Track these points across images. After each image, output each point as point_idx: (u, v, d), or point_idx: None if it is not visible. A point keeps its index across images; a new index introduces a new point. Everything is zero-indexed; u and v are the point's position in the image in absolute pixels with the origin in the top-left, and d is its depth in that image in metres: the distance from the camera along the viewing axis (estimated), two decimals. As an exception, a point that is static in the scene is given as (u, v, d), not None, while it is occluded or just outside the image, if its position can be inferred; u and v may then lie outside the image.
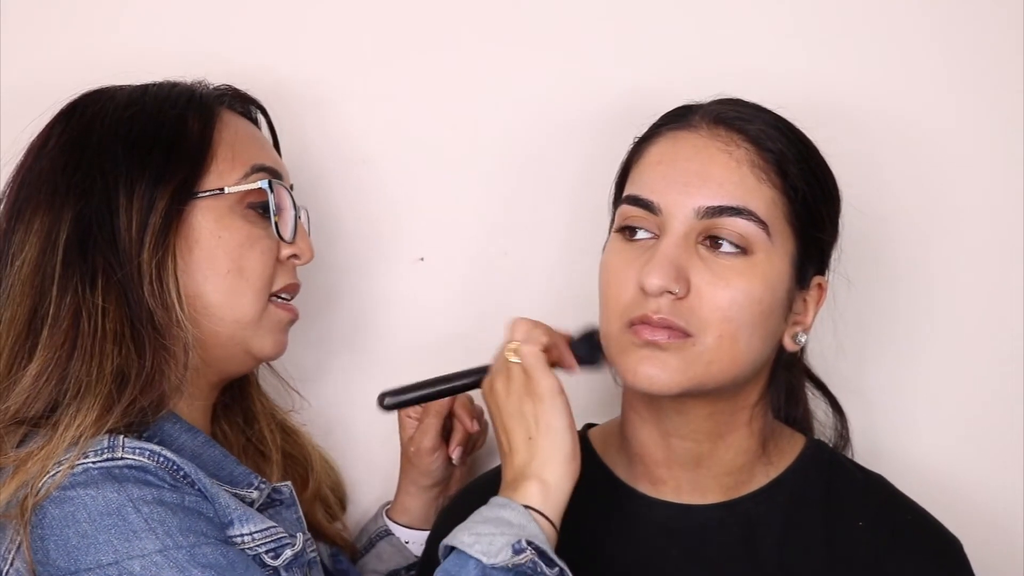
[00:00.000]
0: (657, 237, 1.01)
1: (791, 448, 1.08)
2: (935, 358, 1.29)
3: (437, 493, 1.24)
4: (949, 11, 1.26)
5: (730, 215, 0.99)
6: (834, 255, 1.09)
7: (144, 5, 1.32)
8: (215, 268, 1.04)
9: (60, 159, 1.04)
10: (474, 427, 1.23)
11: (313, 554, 1.07)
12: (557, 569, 0.95)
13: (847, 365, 1.25)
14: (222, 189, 1.05)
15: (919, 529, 1.04)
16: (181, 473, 0.96)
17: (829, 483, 1.06)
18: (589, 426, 1.17)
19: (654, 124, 1.08)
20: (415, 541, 1.23)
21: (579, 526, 1.08)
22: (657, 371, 0.98)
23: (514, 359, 1.01)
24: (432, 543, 1.18)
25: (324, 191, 1.30)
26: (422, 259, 1.32)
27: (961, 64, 1.26)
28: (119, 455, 0.95)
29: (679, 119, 1.05)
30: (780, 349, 1.05)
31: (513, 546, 0.94)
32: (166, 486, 0.95)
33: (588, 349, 1.06)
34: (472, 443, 1.26)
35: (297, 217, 1.10)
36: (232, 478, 1.04)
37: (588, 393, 1.26)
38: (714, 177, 1.00)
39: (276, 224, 1.07)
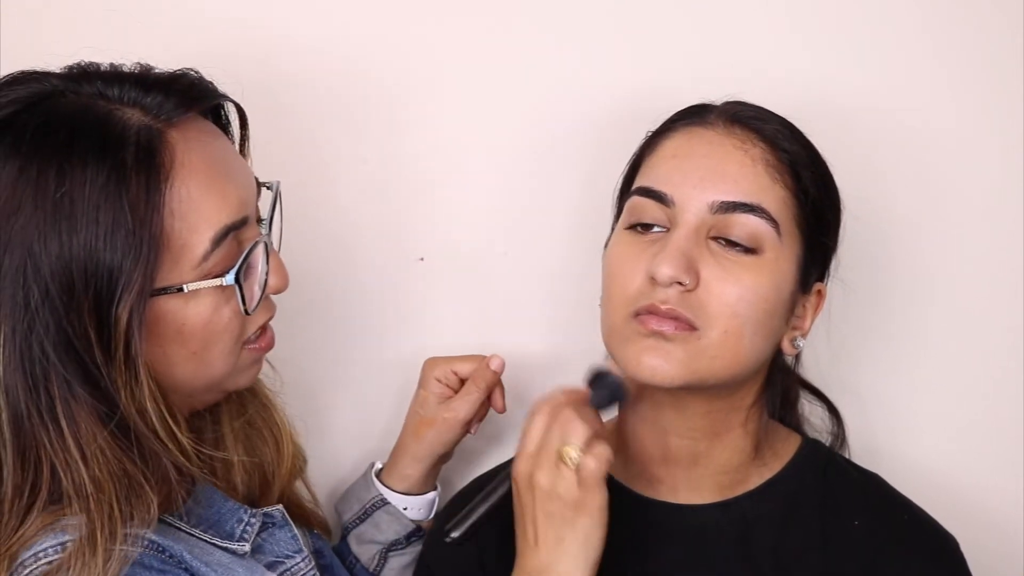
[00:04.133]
0: (667, 231, 1.01)
1: (787, 447, 1.09)
2: (932, 360, 1.29)
3: (440, 461, 1.24)
4: (949, 14, 1.26)
5: (743, 211, 0.99)
6: (832, 262, 1.10)
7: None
8: (180, 354, 0.94)
9: None
10: (502, 409, 1.23)
11: (312, 573, 1.05)
12: None
13: (842, 368, 1.26)
14: (181, 288, 0.92)
15: (916, 528, 1.04)
16: (167, 554, 0.93)
17: (825, 482, 1.06)
18: (586, 426, 1.17)
19: (669, 119, 1.08)
20: (413, 507, 1.22)
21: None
22: (660, 361, 0.98)
23: (570, 462, 0.96)
24: (428, 545, 1.18)
25: (324, 191, 1.30)
26: (422, 259, 1.32)
27: (961, 68, 1.26)
28: None
29: (695, 115, 1.06)
30: (778, 352, 1.06)
31: None
32: (154, 572, 0.91)
33: (606, 394, 1.02)
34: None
35: (267, 255, 0.98)
36: (220, 518, 1.00)
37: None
38: (729, 173, 1.00)
39: (243, 299, 0.95)
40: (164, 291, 0.91)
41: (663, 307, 0.97)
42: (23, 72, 0.95)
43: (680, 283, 0.97)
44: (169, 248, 0.90)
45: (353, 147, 1.31)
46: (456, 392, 1.22)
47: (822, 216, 1.04)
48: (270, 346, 1.03)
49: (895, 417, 1.29)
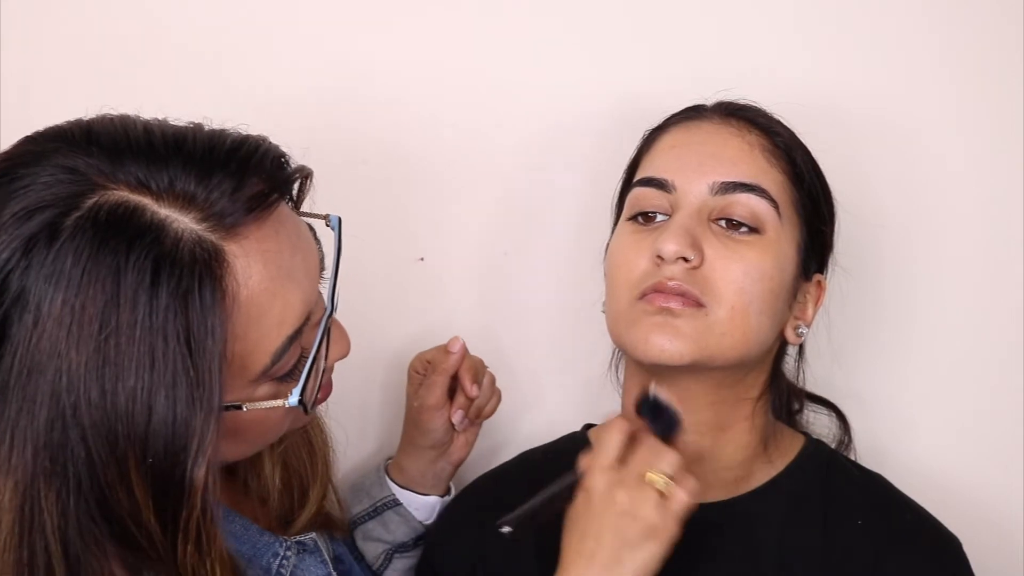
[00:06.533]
0: (669, 218, 1.02)
1: (791, 447, 1.09)
2: (932, 360, 1.29)
3: (435, 456, 1.19)
4: (943, 14, 1.26)
5: (743, 191, 1.00)
6: (830, 262, 1.10)
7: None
8: (233, 446, 0.86)
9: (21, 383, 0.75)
10: (473, 392, 1.17)
11: None
12: None
13: (844, 369, 1.26)
14: (240, 407, 0.82)
15: (918, 528, 1.04)
16: None
17: (828, 482, 1.06)
18: (588, 426, 1.17)
19: (666, 119, 1.10)
20: (412, 505, 1.20)
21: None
22: (668, 339, 0.97)
23: (660, 486, 0.92)
24: (428, 544, 1.18)
25: (324, 190, 1.30)
26: (422, 259, 1.32)
27: (956, 69, 1.26)
28: None
29: (691, 111, 1.08)
30: (781, 347, 1.06)
31: None
32: None
33: (664, 426, 0.97)
34: (478, 410, 1.20)
35: (326, 334, 0.86)
36: (255, 553, 0.96)
37: (586, 394, 1.26)
38: (728, 156, 1.02)
39: (304, 406, 0.85)
40: (224, 409, 0.80)
41: (670, 283, 0.98)
42: (39, 150, 0.79)
43: (685, 259, 0.98)
44: (228, 370, 0.79)
45: (354, 147, 1.30)
46: None
47: (818, 203, 1.06)
48: (327, 396, 0.95)
49: (895, 417, 1.29)
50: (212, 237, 0.77)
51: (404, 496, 1.21)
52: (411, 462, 1.21)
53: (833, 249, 1.10)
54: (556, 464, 1.13)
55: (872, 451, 1.21)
